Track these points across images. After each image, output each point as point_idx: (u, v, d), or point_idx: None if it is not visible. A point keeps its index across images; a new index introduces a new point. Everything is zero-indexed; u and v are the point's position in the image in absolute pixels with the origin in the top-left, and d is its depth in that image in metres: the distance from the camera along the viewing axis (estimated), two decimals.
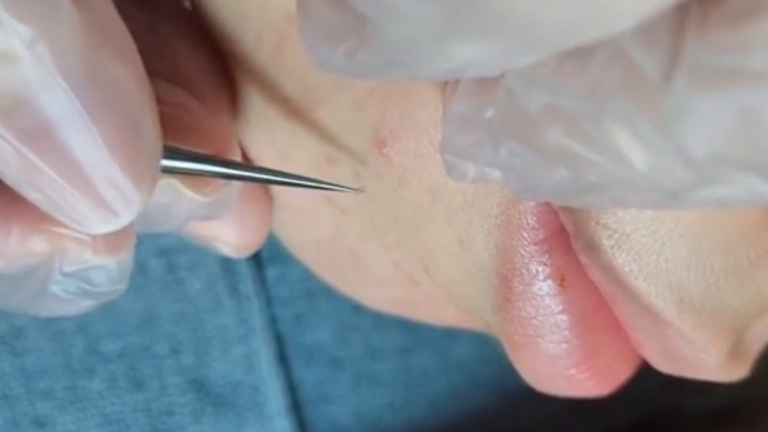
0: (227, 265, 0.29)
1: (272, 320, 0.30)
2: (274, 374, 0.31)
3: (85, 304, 0.20)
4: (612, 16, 0.11)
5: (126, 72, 0.16)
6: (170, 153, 0.17)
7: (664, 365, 0.21)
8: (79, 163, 0.15)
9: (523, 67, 0.14)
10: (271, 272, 0.30)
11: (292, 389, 0.31)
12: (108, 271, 0.19)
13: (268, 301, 0.30)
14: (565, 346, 0.20)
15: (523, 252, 0.20)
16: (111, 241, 0.18)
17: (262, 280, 0.30)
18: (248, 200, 0.20)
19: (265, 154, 0.23)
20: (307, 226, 0.24)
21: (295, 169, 0.22)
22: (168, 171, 0.17)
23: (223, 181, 0.19)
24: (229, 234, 0.21)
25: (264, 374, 0.31)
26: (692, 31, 0.11)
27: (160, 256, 0.28)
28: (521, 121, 0.14)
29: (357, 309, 0.31)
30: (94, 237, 0.17)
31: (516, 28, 0.11)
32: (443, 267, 0.22)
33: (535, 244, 0.20)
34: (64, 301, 0.19)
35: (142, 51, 0.17)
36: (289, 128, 0.22)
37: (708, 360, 0.20)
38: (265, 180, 0.19)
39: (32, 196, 0.16)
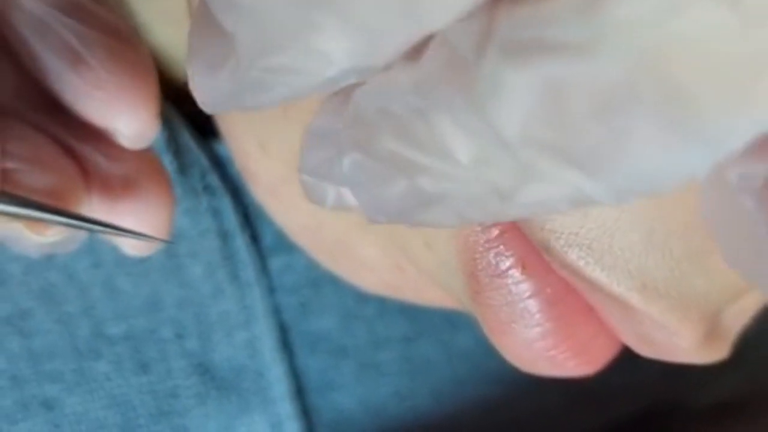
0: (227, 252, 0.29)
1: (276, 308, 0.31)
2: (278, 360, 0.31)
3: None
4: (429, 15, 0.11)
5: None
6: (9, 199, 0.18)
7: (640, 348, 0.21)
8: None
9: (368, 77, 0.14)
10: (277, 261, 0.30)
11: (295, 376, 0.32)
12: None
13: (272, 289, 0.30)
14: (538, 329, 0.21)
15: (481, 249, 0.20)
16: None
17: (264, 268, 0.30)
18: (150, 202, 0.21)
19: (247, 144, 0.23)
20: (291, 214, 0.24)
21: (274, 160, 0.23)
22: (6, 214, 0.18)
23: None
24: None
25: (267, 360, 0.31)
26: (504, 7, 0.11)
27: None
28: (361, 130, 0.14)
29: (361, 297, 0.31)
30: None
31: (352, 25, 0.11)
32: (419, 261, 0.22)
33: (491, 240, 0.20)
34: None
35: None
36: (265, 121, 0.22)
37: (682, 343, 0.20)
38: (94, 229, 0.20)
39: None
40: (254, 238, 0.30)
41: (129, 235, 0.21)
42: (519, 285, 0.20)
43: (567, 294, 0.20)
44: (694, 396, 0.36)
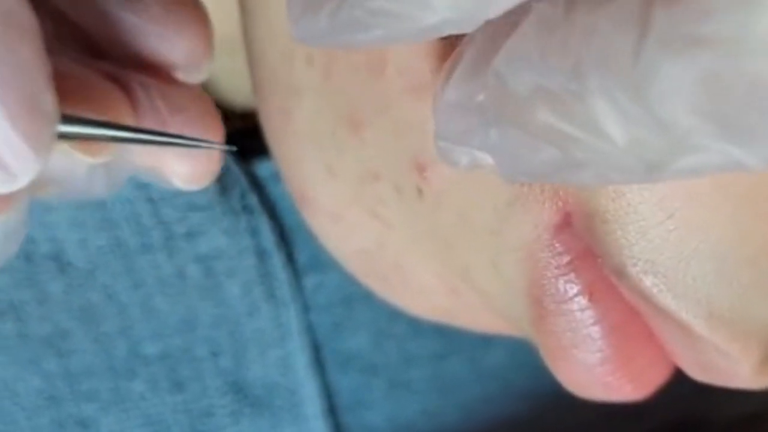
0: (264, 270, 0.30)
1: (309, 327, 0.31)
2: (310, 378, 0.31)
3: None
4: None
5: (26, 49, 0.17)
6: (66, 119, 0.19)
7: (698, 374, 0.22)
8: None
9: (509, 51, 0.15)
10: (311, 280, 0.31)
11: (327, 393, 0.32)
12: None
13: (306, 308, 0.31)
14: (599, 355, 0.21)
15: (550, 275, 0.21)
16: None
17: (299, 287, 0.30)
18: (197, 132, 0.21)
19: (311, 167, 0.23)
20: (351, 237, 0.24)
21: (340, 182, 0.23)
22: (64, 137, 0.19)
23: (113, 145, 0.20)
24: (179, 165, 0.21)
25: (300, 377, 0.31)
26: (660, 3, 0.12)
27: (198, 262, 0.29)
28: (510, 104, 0.15)
29: (393, 316, 0.31)
30: None
31: None
32: (480, 283, 0.22)
33: (562, 267, 0.21)
34: None
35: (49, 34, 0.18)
36: (336, 144, 0.22)
37: (742, 370, 0.20)
38: (155, 142, 0.20)
39: None
40: (289, 257, 0.30)
41: (184, 143, 0.20)
42: (584, 312, 0.20)
43: (629, 321, 0.21)
44: (721, 409, 0.36)
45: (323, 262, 0.30)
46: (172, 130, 0.20)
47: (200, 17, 0.21)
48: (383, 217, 0.23)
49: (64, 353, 0.29)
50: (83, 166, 0.20)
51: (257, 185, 0.29)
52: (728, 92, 0.12)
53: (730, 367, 0.20)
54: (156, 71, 0.21)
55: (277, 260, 0.30)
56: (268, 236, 0.29)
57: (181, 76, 0.21)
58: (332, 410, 0.32)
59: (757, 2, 0.12)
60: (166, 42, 0.20)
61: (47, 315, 0.29)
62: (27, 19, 0.17)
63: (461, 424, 0.33)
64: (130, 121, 0.20)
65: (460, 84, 0.16)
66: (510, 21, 0.15)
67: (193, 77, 0.21)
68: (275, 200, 0.29)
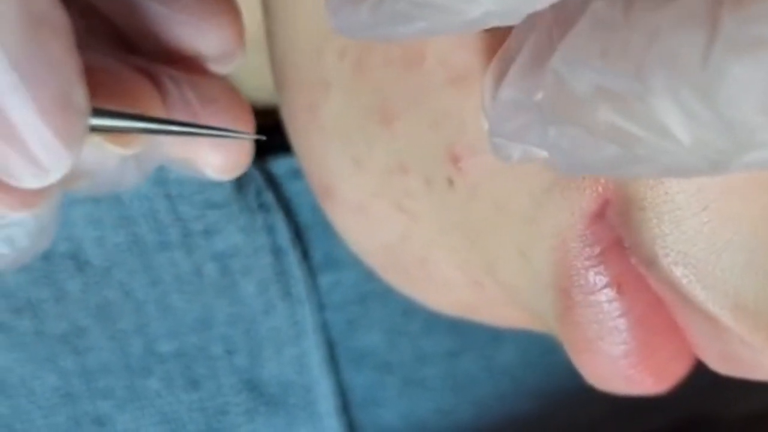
0: (280, 268, 0.30)
1: (324, 324, 0.31)
2: (325, 376, 0.31)
3: (12, 259, 0.21)
4: None
5: (58, 46, 0.17)
6: (97, 113, 0.19)
7: (720, 366, 0.22)
8: (15, 125, 0.17)
9: (566, 50, 0.15)
10: (326, 278, 0.31)
11: (342, 391, 0.32)
12: (27, 226, 0.20)
13: (321, 306, 0.31)
14: (624, 347, 0.21)
15: (580, 266, 0.21)
16: (25, 196, 0.19)
17: (314, 285, 0.31)
18: (228, 123, 0.22)
19: (336, 161, 0.23)
20: (375, 231, 0.24)
21: (367, 175, 0.23)
22: (96, 130, 0.19)
23: (144, 136, 0.20)
24: (212, 155, 0.21)
25: (315, 375, 0.31)
26: (727, 7, 0.13)
27: (215, 260, 0.29)
28: (570, 102, 0.15)
29: (407, 314, 0.31)
30: (8, 193, 0.19)
31: None
32: (506, 274, 0.23)
33: (592, 258, 0.21)
34: None
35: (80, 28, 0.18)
36: (365, 137, 0.23)
37: (765, 361, 0.20)
38: (185, 133, 0.20)
39: None
40: (305, 255, 0.30)
41: (215, 134, 0.21)
42: (611, 303, 0.21)
43: (653, 313, 0.21)
44: (727, 408, 0.36)
45: (338, 259, 0.31)
46: (202, 122, 0.21)
47: (231, 6, 0.21)
48: (409, 210, 0.23)
49: (81, 351, 0.29)
50: (114, 158, 0.20)
51: (273, 182, 0.29)
52: None
53: (754, 358, 0.20)
54: (188, 63, 0.21)
55: (292, 258, 0.30)
56: (284, 234, 0.29)
57: (213, 67, 0.21)
58: (346, 408, 0.32)
59: None
60: (198, 33, 0.21)
61: (64, 313, 0.29)
62: (58, 16, 0.18)
63: (474, 422, 0.34)
64: (160, 113, 0.20)
65: (516, 82, 0.16)
66: (563, 18, 0.15)
67: (225, 68, 0.21)
68: (291, 197, 0.30)
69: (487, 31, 0.18)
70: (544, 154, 0.17)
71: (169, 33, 0.21)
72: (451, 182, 0.22)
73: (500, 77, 0.17)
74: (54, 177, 0.18)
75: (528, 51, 0.16)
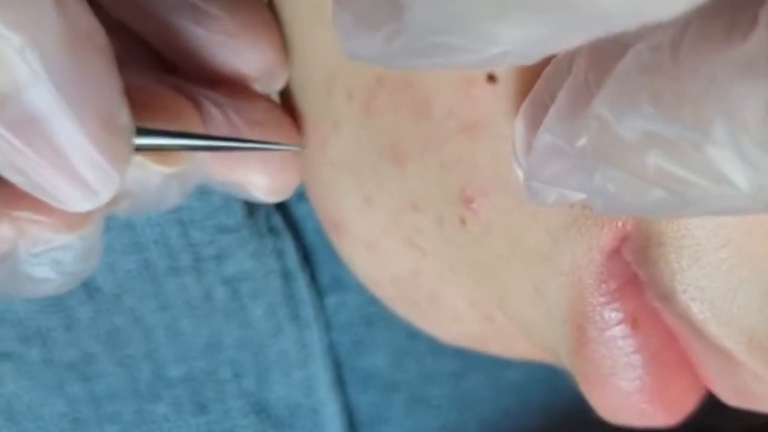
0: (289, 292, 0.30)
1: (330, 345, 0.31)
2: (332, 397, 0.31)
3: (59, 283, 0.21)
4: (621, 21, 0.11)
5: (102, 68, 0.18)
6: (140, 132, 0.19)
7: (732, 399, 0.22)
8: (63, 148, 0.17)
9: (611, 94, 0.15)
10: (332, 299, 0.31)
11: (348, 411, 0.32)
12: (74, 249, 0.20)
13: (327, 327, 0.31)
14: (638, 383, 0.21)
15: (595, 302, 0.21)
16: (71, 219, 0.19)
17: (321, 306, 0.31)
18: (274, 138, 0.22)
19: (349, 198, 0.24)
20: (384, 265, 0.24)
21: (377, 212, 0.23)
22: (139, 149, 0.19)
23: (187, 154, 0.20)
24: (260, 177, 0.22)
25: (322, 397, 0.31)
26: None
27: (225, 284, 0.29)
28: (617, 148, 0.15)
29: (413, 334, 0.31)
30: (55, 217, 0.19)
31: (565, 6, 0.12)
32: (518, 309, 0.23)
33: (608, 294, 0.21)
34: (39, 281, 0.21)
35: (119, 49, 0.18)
36: (376, 176, 0.23)
37: None
38: (226, 147, 0.20)
39: (15, 179, 0.18)
40: (312, 277, 0.30)
41: (258, 147, 0.21)
42: (626, 339, 0.21)
43: (666, 348, 0.21)
44: (730, 421, 0.37)
45: (344, 281, 0.31)
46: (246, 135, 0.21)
47: (269, 27, 0.21)
48: (420, 246, 0.23)
49: (89, 377, 0.29)
50: (158, 177, 0.20)
51: (280, 205, 0.29)
52: None
53: (765, 392, 0.21)
54: (231, 85, 0.21)
55: (301, 281, 0.30)
56: (292, 257, 0.29)
57: (258, 87, 0.21)
58: (353, 428, 0.32)
59: None
60: (238, 54, 0.21)
61: (73, 341, 0.29)
62: (102, 39, 0.18)
63: None
64: (200, 132, 0.20)
65: (554, 128, 0.16)
66: (599, 62, 0.15)
67: (271, 87, 0.21)
68: (298, 220, 0.30)
69: (493, 79, 0.18)
70: (581, 196, 0.17)
71: (209, 55, 0.21)
72: (463, 221, 0.22)
73: (533, 123, 0.17)
74: (102, 199, 0.18)
75: (565, 96, 0.16)
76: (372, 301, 0.30)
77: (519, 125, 0.18)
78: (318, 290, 0.31)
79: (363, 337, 0.32)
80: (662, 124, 0.14)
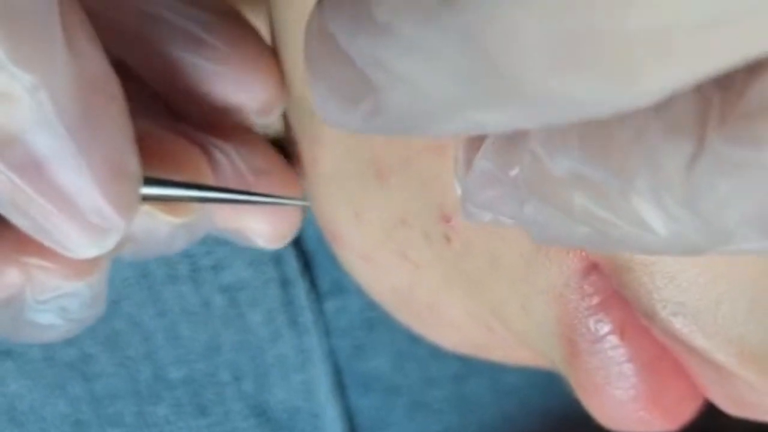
0: (287, 299, 0.30)
1: (331, 350, 0.31)
2: (332, 401, 0.32)
3: (64, 330, 0.21)
4: (631, 96, 0.11)
5: (113, 114, 0.17)
6: (149, 182, 0.19)
7: (731, 409, 0.22)
8: (69, 193, 0.17)
9: (547, 131, 0.14)
10: (332, 304, 0.31)
11: (349, 416, 0.32)
12: (81, 296, 0.20)
13: (327, 331, 0.31)
14: (632, 391, 0.21)
15: (581, 316, 0.21)
16: (80, 266, 0.19)
17: (320, 312, 0.31)
18: (279, 188, 0.22)
19: (342, 211, 0.24)
20: (383, 277, 0.24)
21: (369, 227, 0.23)
22: (147, 198, 0.19)
23: (196, 205, 0.20)
24: (261, 225, 0.22)
25: (322, 401, 0.32)
26: (714, 124, 0.12)
27: (222, 292, 0.29)
28: (546, 183, 0.15)
29: (414, 338, 0.32)
30: (64, 264, 0.19)
31: (533, 99, 0.12)
32: (510, 322, 0.23)
33: (592, 308, 0.21)
34: (43, 327, 0.21)
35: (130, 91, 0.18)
36: (363, 190, 0.23)
37: None
38: (236, 201, 0.20)
39: (20, 222, 0.18)
40: (312, 283, 0.30)
41: (266, 201, 0.21)
42: (616, 350, 0.21)
43: (660, 357, 0.21)
44: (731, 420, 0.37)
45: (345, 285, 0.31)
46: (252, 188, 0.21)
47: (269, 57, 0.21)
48: (413, 260, 0.23)
49: (90, 378, 0.30)
50: (166, 226, 0.20)
51: None
52: None
53: (762, 402, 0.21)
54: (234, 124, 0.21)
55: (300, 288, 0.30)
56: (291, 265, 0.29)
57: (255, 117, 0.21)
58: (353, 431, 0.33)
59: None
60: (237, 84, 0.20)
61: (74, 340, 0.29)
62: (114, 85, 0.17)
63: None
64: (210, 181, 0.20)
65: (491, 154, 0.16)
66: None
67: (267, 117, 0.21)
68: (299, 229, 0.30)
69: None
70: (512, 222, 0.17)
71: (209, 86, 0.21)
72: (447, 238, 0.22)
73: (475, 145, 0.16)
74: (108, 246, 0.18)
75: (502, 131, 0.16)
76: (373, 305, 0.30)
77: (462, 148, 0.17)
78: (318, 295, 0.31)
79: (364, 341, 0.32)
80: (589, 167, 0.14)
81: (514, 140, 0.16)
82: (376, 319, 0.31)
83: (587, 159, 0.14)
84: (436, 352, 0.32)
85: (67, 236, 0.17)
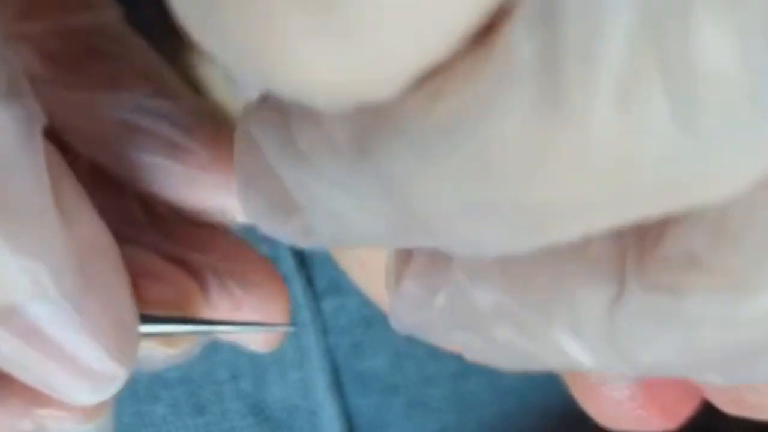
0: None
1: (329, 349, 0.31)
2: (330, 400, 0.32)
3: None
4: (541, 243, 0.12)
5: (108, 270, 0.18)
6: (146, 320, 0.20)
7: (730, 408, 0.22)
8: (70, 351, 0.18)
9: (469, 260, 0.14)
10: (330, 303, 0.31)
11: (347, 414, 0.32)
12: None
13: (325, 330, 0.31)
14: (627, 391, 0.21)
15: None
16: (90, 411, 0.20)
17: (318, 309, 0.31)
18: (268, 304, 0.22)
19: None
20: (379, 281, 0.24)
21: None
22: (144, 335, 0.20)
23: (190, 336, 0.21)
24: (255, 336, 0.22)
25: (320, 399, 0.32)
26: (632, 268, 0.12)
27: None
28: (471, 314, 0.15)
29: (412, 337, 0.31)
30: (74, 411, 0.20)
31: (447, 241, 0.12)
32: None
33: None
34: None
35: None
36: None
37: None
38: (227, 331, 0.21)
39: (27, 379, 0.18)
40: (309, 282, 0.30)
41: (256, 328, 0.22)
42: None
43: None
44: (729, 420, 0.37)
45: (342, 285, 0.31)
46: (246, 309, 0.21)
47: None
48: None
49: None
50: (163, 355, 0.21)
51: None
52: (702, 346, 0.13)
53: (761, 402, 0.21)
54: (215, 226, 0.21)
55: (297, 286, 0.30)
56: (289, 263, 0.29)
57: (239, 218, 0.22)
58: (351, 431, 0.32)
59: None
60: (217, 188, 0.21)
61: None
62: (106, 240, 0.18)
63: None
64: (203, 309, 0.21)
65: (418, 277, 0.16)
66: None
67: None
68: None
69: None
70: (441, 342, 0.17)
71: (189, 191, 0.21)
72: None
73: (405, 260, 0.16)
74: (112, 392, 0.19)
75: (429, 250, 0.15)
76: (371, 303, 0.30)
77: (393, 260, 0.17)
78: (315, 293, 0.31)
79: (362, 340, 0.32)
80: (511, 301, 0.14)
81: (438, 264, 0.15)
82: (374, 318, 0.31)
83: (509, 293, 0.14)
84: (435, 351, 0.32)
85: (72, 389, 0.18)
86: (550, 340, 0.14)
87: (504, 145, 0.10)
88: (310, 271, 0.30)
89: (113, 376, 0.18)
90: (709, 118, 0.09)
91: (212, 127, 0.21)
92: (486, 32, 0.10)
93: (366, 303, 0.30)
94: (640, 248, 0.12)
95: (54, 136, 0.19)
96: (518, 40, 0.09)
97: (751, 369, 0.13)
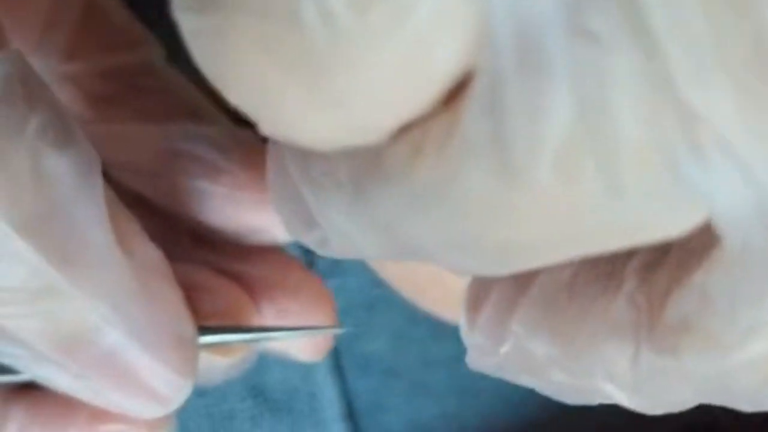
0: None
1: None
2: (330, 382, 0.32)
3: None
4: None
5: (165, 290, 0.19)
6: (203, 331, 0.20)
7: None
8: (135, 372, 0.18)
9: (523, 315, 0.16)
10: (331, 283, 0.31)
11: (347, 397, 0.32)
12: None
13: None
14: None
15: None
16: (153, 422, 0.20)
17: None
18: (313, 310, 0.23)
19: None
20: (387, 264, 0.25)
21: None
22: (204, 346, 0.21)
23: (246, 344, 0.22)
24: (304, 347, 0.23)
25: (320, 382, 0.31)
26: (644, 332, 0.15)
27: None
28: (530, 361, 0.16)
29: (413, 319, 0.31)
30: (140, 424, 0.20)
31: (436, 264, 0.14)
32: None
33: None
34: None
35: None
36: None
37: None
38: (280, 338, 0.22)
39: (95, 402, 0.19)
40: (310, 264, 0.30)
41: (306, 333, 0.22)
42: None
43: None
44: (727, 416, 0.36)
45: (344, 265, 0.31)
46: (292, 316, 0.22)
47: None
48: None
49: None
50: (222, 364, 0.22)
51: None
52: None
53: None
54: (260, 243, 0.22)
55: None
56: (290, 246, 0.29)
57: (280, 236, 0.22)
58: (351, 414, 0.32)
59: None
60: (259, 208, 0.22)
61: None
62: (161, 262, 0.19)
63: (479, 426, 0.34)
64: (255, 318, 0.22)
65: (485, 330, 0.17)
66: (520, 277, 0.16)
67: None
68: None
69: None
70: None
71: (231, 213, 0.22)
72: None
73: (475, 307, 0.18)
74: (176, 405, 0.19)
75: (492, 304, 0.17)
76: (372, 285, 0.30)
77: (464, 305, 0.18)
78: (316, 274, 0.31)
79: (362, 322, 0.32)
80: (560, 353, 0.16)
81: (502, 317, 0.17)
82: (375, 300, 0.31)
83: (558, 347, 0.16)
84: (436, 334, 0.32)
85: (139, 407, 0.19)
86: (594, 384, 0.15)
87: (473, 199, 0.12)
88: (312, 254, 0.30)
89: (178, 390, 0.19)
90: (633, 188, 0.11)
91: (248, 148, 0.22)
92: (457, 90, 0.12)
93: (366, 284, 0.30)
94: (649, 313, 0.15)
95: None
96: (474, 118, 0.12)
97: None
